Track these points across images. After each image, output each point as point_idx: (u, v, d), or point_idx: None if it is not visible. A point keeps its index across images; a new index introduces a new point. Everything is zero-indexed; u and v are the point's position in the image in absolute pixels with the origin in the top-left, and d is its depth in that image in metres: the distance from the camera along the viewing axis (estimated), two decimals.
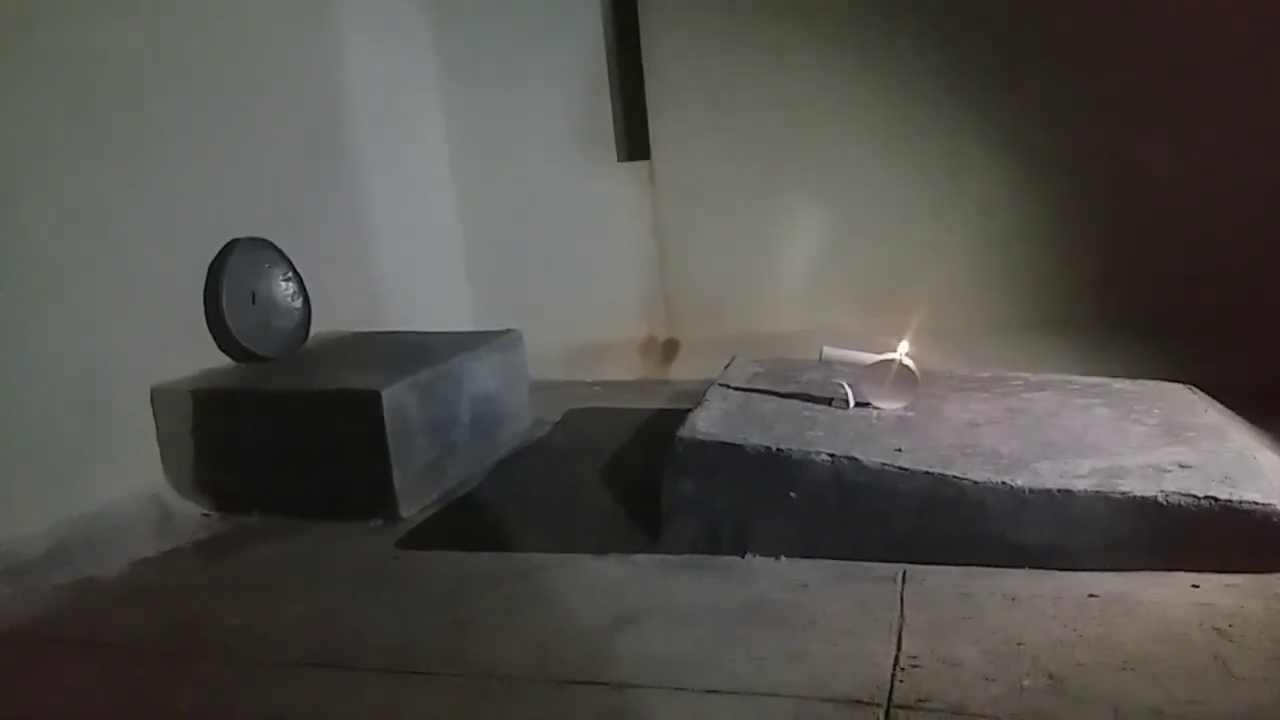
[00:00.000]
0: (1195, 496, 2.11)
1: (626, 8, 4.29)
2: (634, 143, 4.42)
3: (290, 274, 3.44)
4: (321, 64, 3.87)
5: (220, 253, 3.22)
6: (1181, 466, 2.24)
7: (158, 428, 2.99)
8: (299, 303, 3.48)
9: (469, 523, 2.84)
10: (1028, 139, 3.78)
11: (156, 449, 3.00)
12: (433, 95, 4.54)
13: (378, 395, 2.80)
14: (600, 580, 2.35)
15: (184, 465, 2.98)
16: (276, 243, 3.41)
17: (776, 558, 2.36)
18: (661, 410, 3.64)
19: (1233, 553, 2.08)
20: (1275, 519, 2.07)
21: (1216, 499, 2.09)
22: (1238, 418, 2.67)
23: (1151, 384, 2.91)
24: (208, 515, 2.95)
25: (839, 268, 4.14)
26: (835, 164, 4.07)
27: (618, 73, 4.35)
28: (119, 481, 2.89)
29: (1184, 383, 2.90)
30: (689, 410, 2.73)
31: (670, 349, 4.49)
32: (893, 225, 4.03)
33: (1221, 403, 2.76)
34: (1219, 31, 3.47)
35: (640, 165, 4.39)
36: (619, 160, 4.45)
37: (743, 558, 2.38)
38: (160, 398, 2.99)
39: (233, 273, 3.21)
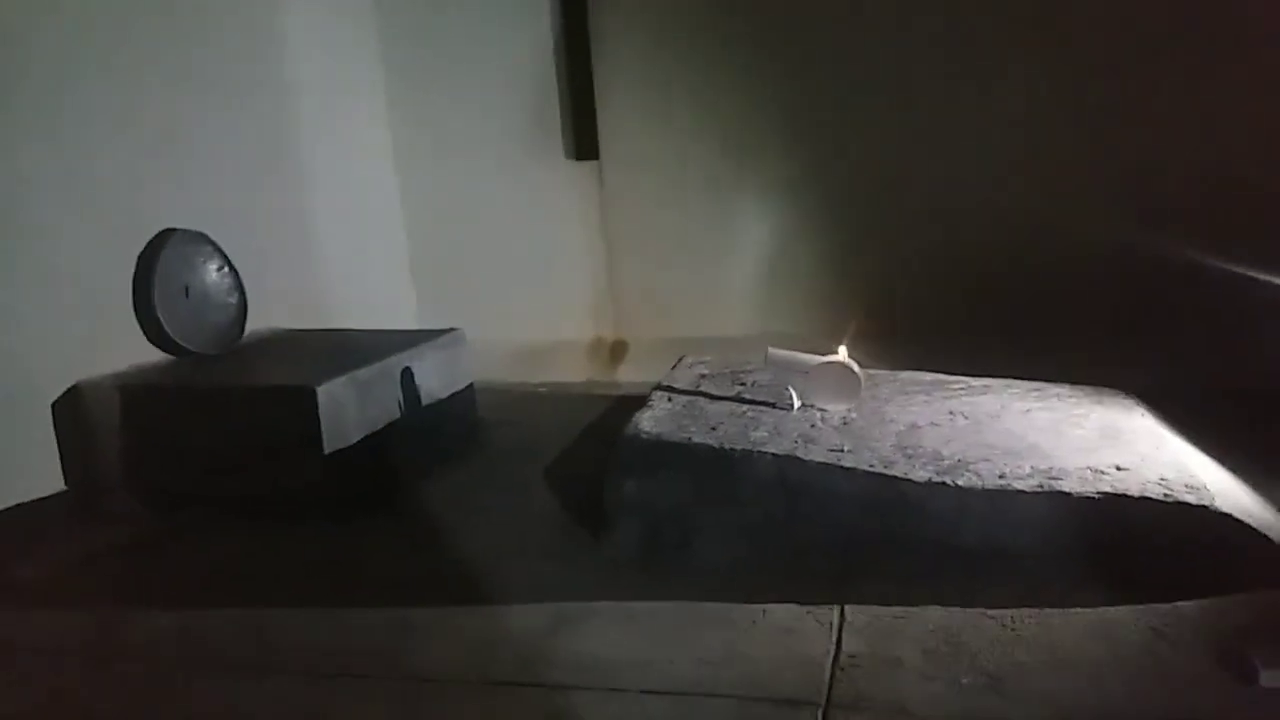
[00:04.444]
0: (1131, 497, 2.13)
1: (576, 6, 4.25)
2: (582, 142, 4.38)
3: (226, 268, 3.35)
4: (263, 56, 3.78)
5: (152, 243, 3.10)
6: (1118, 469, 2.27)
7: (84, 424, 2.88)
8: (234, 298, 3.38)
9: (408, 523, 2.78)
10: (972, 144, 3.82)
11: (82, 446, 2.88)
12: (378, 90, 4.46)
13: (313, 392, 2.73)
14: (540, 582, 2.31)
15: (112, 463, 2.87)
16: (213, 237, 3.31)
17: (719, 558, 2.34)
18: (608, 411, 3.61)
19: (1168, 552, 2.11)
20: (1209, 520, 2.10)
21: (1152, 499, 2.12)
22: (1172, 422, 2.72)
23: (1089, 389, 2.95)
24: (135, 514, 2.85)
25: (786, 271, 4.15)
26: (784, 167, 4.08)
27: (566, 72, 4.31)
28: (41, 479, 2.79)
29: (1119, 388, 2.94)
30: (635, 411, 2.70)
31: (618, 350, 4.46)
32: (839, 229, 4.05)
33: (1156, 408, 2.80)
34: (1175, 42, 3.54)
35: (588, 165, 4.35)
36: (567, 159, 4.41)
37: (685, 558, 2.35)
38: (88, 393, 2.88)
39: (165, 264, 3.10)
